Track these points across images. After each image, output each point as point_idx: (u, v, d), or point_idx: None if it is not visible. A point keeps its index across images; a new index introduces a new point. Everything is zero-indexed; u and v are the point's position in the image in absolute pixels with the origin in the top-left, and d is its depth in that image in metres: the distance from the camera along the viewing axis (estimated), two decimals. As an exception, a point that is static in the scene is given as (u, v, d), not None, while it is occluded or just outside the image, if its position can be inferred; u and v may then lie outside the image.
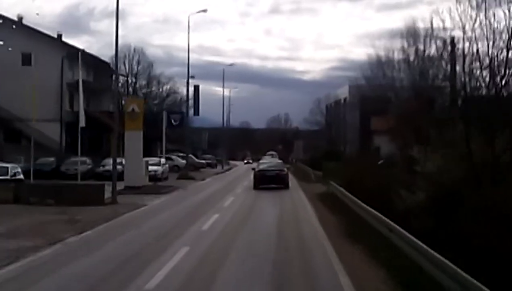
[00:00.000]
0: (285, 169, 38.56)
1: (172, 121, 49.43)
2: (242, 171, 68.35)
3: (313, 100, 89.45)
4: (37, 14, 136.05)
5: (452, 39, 32.15)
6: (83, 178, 40.54)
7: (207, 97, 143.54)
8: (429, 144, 18.42)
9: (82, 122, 30.61)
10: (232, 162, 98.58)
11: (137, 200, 28.53)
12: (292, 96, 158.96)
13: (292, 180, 44.16)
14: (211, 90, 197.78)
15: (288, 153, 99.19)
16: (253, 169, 39.68)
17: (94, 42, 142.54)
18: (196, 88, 64.31)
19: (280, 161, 43.90)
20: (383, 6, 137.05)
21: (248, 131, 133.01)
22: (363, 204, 19.25)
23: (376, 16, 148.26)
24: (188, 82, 49.29)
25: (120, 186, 33.97)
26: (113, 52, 27.43)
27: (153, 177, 39.90)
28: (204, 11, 49.90)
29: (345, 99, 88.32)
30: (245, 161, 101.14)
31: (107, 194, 27.77)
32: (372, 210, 17.05)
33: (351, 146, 77.58)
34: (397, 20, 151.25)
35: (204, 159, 71.35)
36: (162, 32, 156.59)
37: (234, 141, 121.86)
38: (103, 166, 41.71)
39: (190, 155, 59.41)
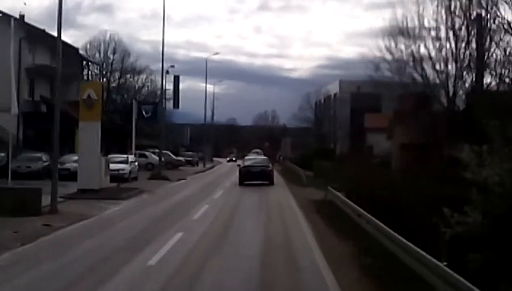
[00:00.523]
0: (270, 165, 38.49)
1: (144, 113, 42.45)
2: (226, 169, 61.88)
3: (302, 95, 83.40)
4: (25, 3, 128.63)
5: (479, 15, 25.91)
6: (37, 177, 34.10)
7: (193, 94, 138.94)
8: (484, 142, 12.24)
9: (14, 109, 23.95)
10: (217, 159, 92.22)
11: (86, 209, 22.04)
12: (279, 94, 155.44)
13: (280, 182, 37.96)
14: (198, 86, 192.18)
15: (275, 151, 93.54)
16: (239, 165, 39.17)
17: (80, 36, 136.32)
18: (176, 78, 57.89)
19: (265, 158, 43.53)
20: (372, 4, 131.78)
21: (234, 128, 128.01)
22: (392, 232, 12.77)
23: (365, 15, 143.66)
24: (163, 70, 42.42)
25: (73, 188, 27.67)
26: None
27: (118, 177, 33.31)
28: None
29: (335, 95, 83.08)
30: (228, 159, 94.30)
31: (47, 200, 21.26)
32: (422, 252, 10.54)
33: (342, 143, 72.74)
34: (386, 19, 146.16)
35: (184, 156, 64.27)
36: (150, 27, 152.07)
37: (220, 138, 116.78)
38: (62, 163, 35.10)
39: (167, 152, 52.80)
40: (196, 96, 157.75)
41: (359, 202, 18.75)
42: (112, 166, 33.48)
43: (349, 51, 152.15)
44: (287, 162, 68.68)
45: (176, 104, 58.02)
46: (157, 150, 52.03)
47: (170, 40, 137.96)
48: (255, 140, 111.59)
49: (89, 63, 57.69)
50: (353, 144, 70.15)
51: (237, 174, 37.04)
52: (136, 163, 37.47)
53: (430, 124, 33.72)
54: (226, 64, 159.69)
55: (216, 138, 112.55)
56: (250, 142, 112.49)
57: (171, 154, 52.72)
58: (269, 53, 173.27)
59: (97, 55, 59.50)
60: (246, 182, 34.73)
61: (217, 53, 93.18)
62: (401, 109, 53.03)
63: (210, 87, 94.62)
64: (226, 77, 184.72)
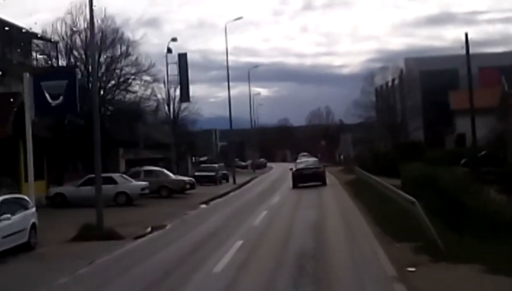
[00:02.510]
0: (322, 167, 35.95)
1: (48, 97, 17.36)
2: (266, 185, 39.57)
3: (364, 76, 62.93)
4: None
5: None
6: None
7: (244, 100, 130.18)
8: None
9: None
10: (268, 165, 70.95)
11: None
12: (331, 92, 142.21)
13: (364, 233, 15.05)
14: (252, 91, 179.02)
15: (333, 150, 72.63)
16: (291, 169, 35.73)
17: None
18: (182, 58, 36.11)
19: (316, 159, 40.82)
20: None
21: (287, 129, 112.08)
22: None
23: (409, 4, 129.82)
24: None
25: None
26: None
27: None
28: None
29: (400, 76, 61.87)
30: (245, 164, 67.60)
31: None
32: None
33: (413, 134, 52.92)
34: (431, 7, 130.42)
35: (204, 171, 40.74)
36: (197, 37, 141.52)
37: (272, 142, 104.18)
38: None
39: (159, 169, 30.68)
40: (247, 102, 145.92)
41: None
42: None
43: (398, 43, 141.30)
44: (352, 165, 46.99)
45: (185, 97, 36.24)
46: (148, 167, 30.27)
47: (218, 48, 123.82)
48: (309, 140, 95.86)
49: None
50: (430, 134, 51.70)
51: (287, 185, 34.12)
52: (34, 209, 14.36)
53: None
54: (276, 67, 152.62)
55: (267, 142, 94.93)
56: (304, 143, 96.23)
57: (167, 172, 29.89)
58: (318, 52, 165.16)
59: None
60: (300, 185, 32.61)
61: (240, 18, 67.03)
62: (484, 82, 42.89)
63: (262, 91, 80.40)
64: (277, 79, 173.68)
